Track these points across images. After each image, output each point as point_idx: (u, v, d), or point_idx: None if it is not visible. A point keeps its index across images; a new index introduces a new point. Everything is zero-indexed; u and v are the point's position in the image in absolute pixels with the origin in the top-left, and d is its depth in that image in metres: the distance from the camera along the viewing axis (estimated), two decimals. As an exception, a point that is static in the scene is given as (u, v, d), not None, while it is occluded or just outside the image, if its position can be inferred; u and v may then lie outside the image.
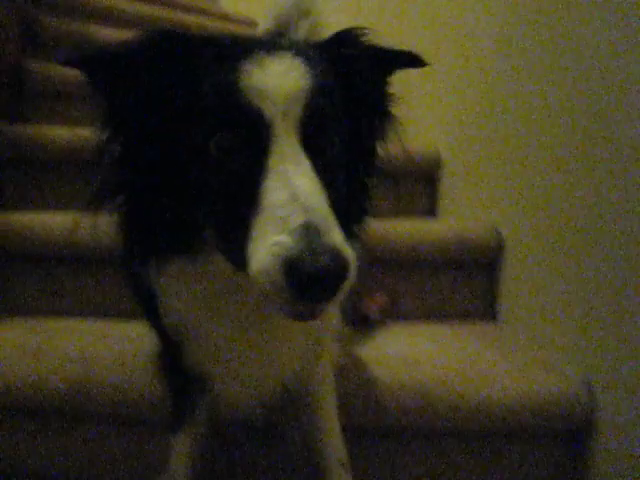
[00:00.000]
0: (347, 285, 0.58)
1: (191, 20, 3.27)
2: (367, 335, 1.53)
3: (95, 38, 2.61)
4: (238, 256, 0.63)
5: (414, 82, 2.36)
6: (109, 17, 2.91)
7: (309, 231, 0.56)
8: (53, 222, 1.60)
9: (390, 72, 0.84)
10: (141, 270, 0.80)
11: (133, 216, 0.75)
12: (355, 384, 1.21)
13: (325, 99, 0.69)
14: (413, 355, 1.37)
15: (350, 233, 0.79)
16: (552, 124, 1.37)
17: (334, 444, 1.08)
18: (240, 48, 0.69)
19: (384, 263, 1.70)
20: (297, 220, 0.57)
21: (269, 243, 0.57)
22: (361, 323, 1.57)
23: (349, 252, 0.57)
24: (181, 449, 1.06)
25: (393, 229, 1.69)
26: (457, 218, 1.96)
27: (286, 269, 0.55)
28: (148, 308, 0.89)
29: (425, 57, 0.83)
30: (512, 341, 1.49)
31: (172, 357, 0.95)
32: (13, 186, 1.85)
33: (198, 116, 0.67)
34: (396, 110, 0.85)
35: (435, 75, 2.19)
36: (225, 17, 3.81)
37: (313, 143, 0.67)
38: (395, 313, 1.68)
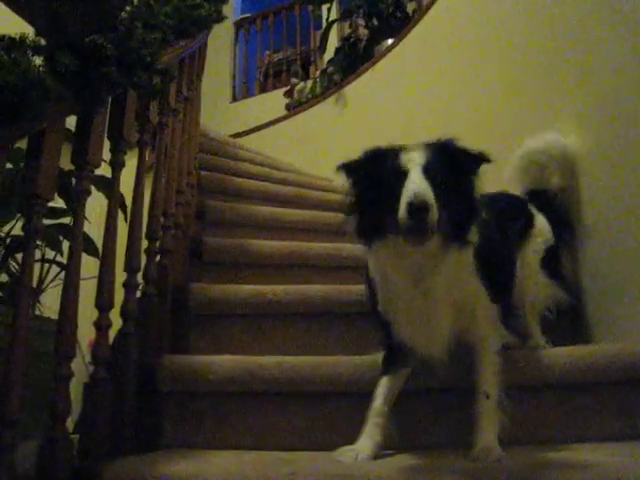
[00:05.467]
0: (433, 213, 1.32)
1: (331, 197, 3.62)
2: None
3: (250, 249, 2.70)
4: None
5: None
6: (265, 227, 3.04)
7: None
8: (208, 472, 1.44)
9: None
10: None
11: (363, 227, 1.50)
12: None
13: (435, 164, 1.42)
14: None
15: (457, 235, 1.44)
16: None
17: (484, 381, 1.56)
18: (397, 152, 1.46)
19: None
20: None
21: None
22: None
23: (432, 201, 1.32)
24: (384, 383, 1.62)
25: None
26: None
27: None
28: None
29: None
30: None
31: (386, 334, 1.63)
32: (172, 422, 1.75)
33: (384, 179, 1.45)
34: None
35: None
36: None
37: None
38: None
